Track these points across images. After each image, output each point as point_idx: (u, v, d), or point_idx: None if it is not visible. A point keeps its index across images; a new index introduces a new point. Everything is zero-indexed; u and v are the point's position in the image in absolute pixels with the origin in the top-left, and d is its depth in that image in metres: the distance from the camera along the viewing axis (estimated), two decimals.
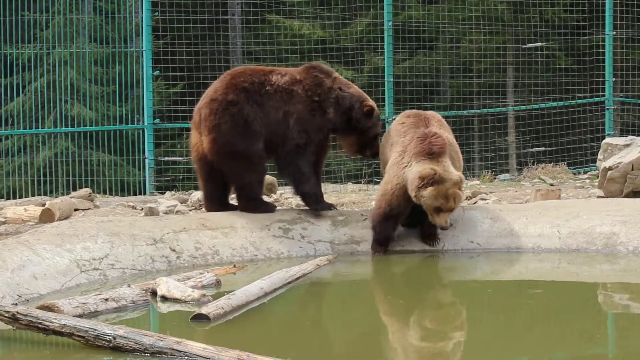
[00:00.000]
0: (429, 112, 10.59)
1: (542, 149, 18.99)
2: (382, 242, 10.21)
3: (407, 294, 9.25)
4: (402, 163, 9.87)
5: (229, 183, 10.93)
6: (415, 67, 21.60)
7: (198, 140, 10.80)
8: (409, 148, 9.88)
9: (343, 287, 9.57)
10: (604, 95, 18.09)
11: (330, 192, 15.42)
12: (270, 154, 10.90)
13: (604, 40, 18.10)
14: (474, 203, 12.60)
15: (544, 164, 17.01)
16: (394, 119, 11.27)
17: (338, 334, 7.53)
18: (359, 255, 10.38)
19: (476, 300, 8.66)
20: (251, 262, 9.91)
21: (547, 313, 8.01)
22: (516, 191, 14.06)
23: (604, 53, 18.04)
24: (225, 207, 11.02)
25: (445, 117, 21.16)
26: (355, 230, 10.60)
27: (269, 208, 10.90)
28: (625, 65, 19.41)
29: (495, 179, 16.69)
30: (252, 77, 10.79)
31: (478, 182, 16.13)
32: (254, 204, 10.77)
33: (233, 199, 11.42)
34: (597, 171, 12.87)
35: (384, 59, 18.05)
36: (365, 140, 11.11)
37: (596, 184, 11.81)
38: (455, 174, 9.60)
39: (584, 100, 19.07)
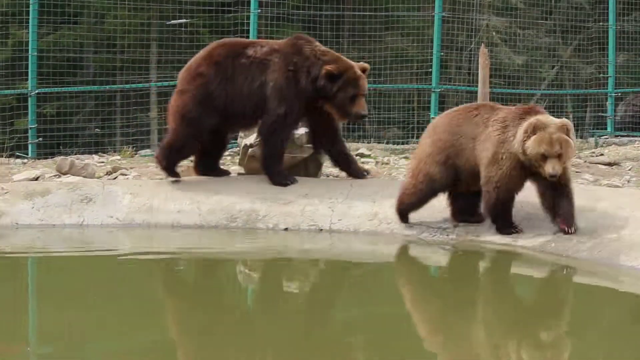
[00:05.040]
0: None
1: None
2: (509, 223, 9.54)
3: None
4: (508, 139, 9.18)
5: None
6: (59, 41, 21.02)
7: None
8: (508, 120, 9.28)
9: None
10: None
11: None
12: (237, 128, 11.52)
13: (248, 18, 18.36)
14: (114, 178, 12.42)
15: None
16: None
17: None
18: None
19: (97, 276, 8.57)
20: None
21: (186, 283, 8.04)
22: (156, 167, 13.98)
23: (248, 31, 18.31)
24: (214, 171, 11.49)
25: (89, 92, 20.96)
26: None
27: (176, 174, 11.12)
28: None
29: (136, 154, 16.53)
30: (228, 50, 11.05)
31: (119, 157, 15.92)
32: (166, 164, 11.12)
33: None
34: (238, 148, 13.01)
35: (28, 32, 17.47)
36: (339, 103, 10.84)
37: (237, 161, 11.96)
38: (559, 119, 9.10)
39: None
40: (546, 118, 9.02)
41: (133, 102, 20.63)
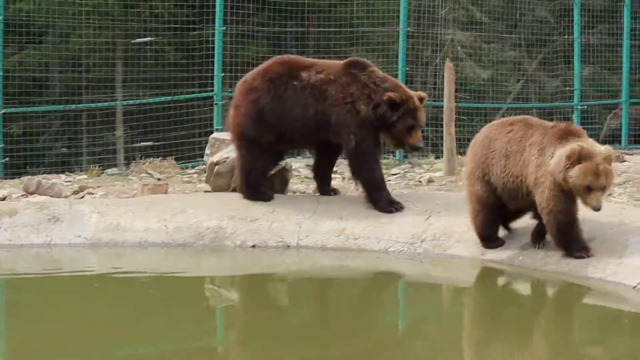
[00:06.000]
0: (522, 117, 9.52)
1: (150, 143, 18.98)
2: (583, 246, 8.76)
3: None
4: (545, 162, 8.64)
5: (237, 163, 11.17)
6: (24, 61, 20.94)
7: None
8: (545, 142, 8.72)
9: None
10: (212, 91, 18.33)
11: None
12: (291, 148, 11.54)
13: (213, 36, 18.36)
14: (82, 197, 12.36)
15: (151, 159, 17.00)
16: None
17: None
18: None
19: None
20: None
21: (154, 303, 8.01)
22: (124, 185, 13.96)
23: (213, 48, 18.30)
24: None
25: (55, 112, 20.85)
26: None
27: (265, 197, 10.94)
28: (234, 61, 19.75)
29: (103, 173, 16.46)
30: (284, 69, 10.90)
31: (85, 176, 15.84)
32: (252, 191, 10.95)
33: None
34: (204, 166, 12.99)
35: None
36: (396, 133, 10.69)
37: (204, 178, 11.94)
38: (604, 147, 8.52)
39: (193, 95, 19.27)
40: (590, 145, 8.49)
41: (99, 121, 20.57)
